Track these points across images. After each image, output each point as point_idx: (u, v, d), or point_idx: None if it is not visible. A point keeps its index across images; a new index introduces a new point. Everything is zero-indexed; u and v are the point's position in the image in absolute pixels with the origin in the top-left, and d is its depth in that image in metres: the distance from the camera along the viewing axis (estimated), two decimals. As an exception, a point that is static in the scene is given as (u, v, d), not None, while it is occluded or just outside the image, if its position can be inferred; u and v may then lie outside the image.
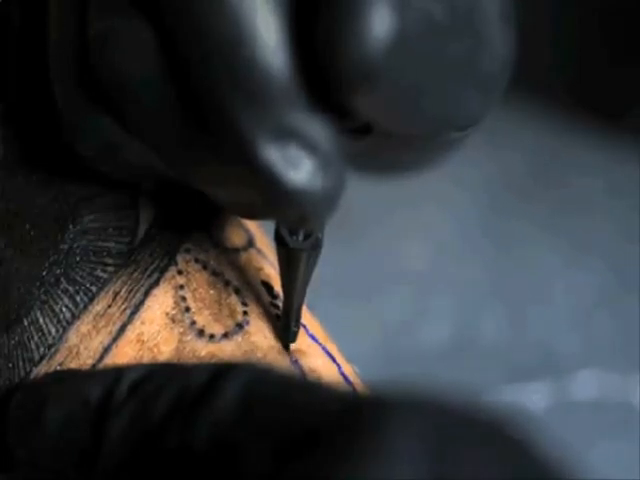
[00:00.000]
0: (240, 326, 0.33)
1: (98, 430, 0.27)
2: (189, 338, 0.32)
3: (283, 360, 0.32)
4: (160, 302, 0.32)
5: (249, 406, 0.25)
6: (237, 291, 0.33)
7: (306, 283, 0.32)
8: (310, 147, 0.27)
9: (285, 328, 0.33)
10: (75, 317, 0.32)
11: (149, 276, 0.33)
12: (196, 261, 0.33)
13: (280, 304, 0.33)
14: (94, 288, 0.32)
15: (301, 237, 0.31)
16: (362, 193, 0.60)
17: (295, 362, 0.32)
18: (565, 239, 0.73)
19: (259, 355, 0.32)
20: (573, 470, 0.24)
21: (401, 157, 0.33)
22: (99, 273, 0.32)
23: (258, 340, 0.32)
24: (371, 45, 0.25)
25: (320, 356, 0.33)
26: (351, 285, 0.69)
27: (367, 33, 0.25)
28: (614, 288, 0.71)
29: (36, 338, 0.32)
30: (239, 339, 0.32)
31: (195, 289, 0.33)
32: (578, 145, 0.77)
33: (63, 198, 0.33)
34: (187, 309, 0.32)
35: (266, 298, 0.34)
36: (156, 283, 0.33)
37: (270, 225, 0.31)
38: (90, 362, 0.31)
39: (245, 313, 0.33)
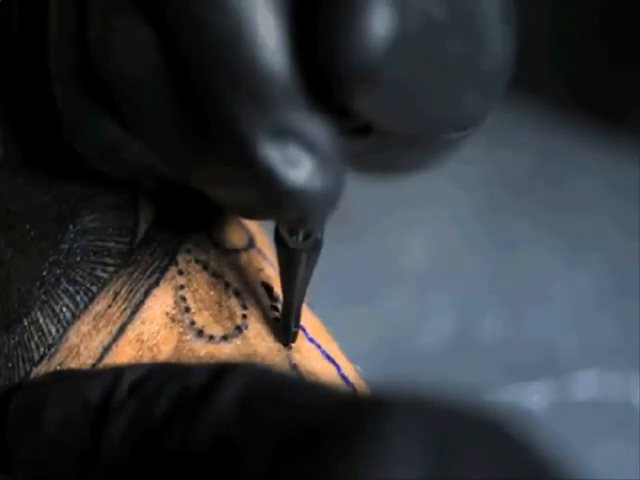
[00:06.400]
0: (239, 329, 0.33)
1: (98, 430, 0.27)
2: (188, 338, 0.32)
3: (281, 364, 0.32)
4: (160, 302, 0.32)
5: (249, 406, 0.25)
6: (237, 293, 0.33)
7: (306, 283, 0.32)
8: (310, 147, 0.27)
9: (285, 328, 0.33)
10: (75, 317, 0.32)
11: (149, 276, 0.33)
12: (196, 262, 0.33)
13: (280, 306, 0.33)
14: (94, 288, 0.32)
15: (301, 237, 0.31)
16: (362, 193, 0.60)
17: (294, 366, 0.32)
18: (565, 239, 0.73)
19: (257, 359, 0.32)
20: (573, 470, 0.24)
21: (401, 157, 0.33)
22: (99, 273, 0.32)
23: (256, 344, 0.32)
24: (371, 45, 0.25)
25: (319, 359, 0.33)
26: (351, 285, 0.69)
27: (367, 33, 0.25)
28: (614, 288, 0.71)
29: (36, 338, 0.32)
30: (238, 342, 0.32)
31: (195, 290, 0.33)
32: (578, 145, 0.77)
33: (63, 198, 0.33)
34: (187, 309, 0.32)
35: (266, 300, 0.34)
36: (156, 283, 0.33)
37: (270, 225, 0.31)
38: (90, 362, 0.31)
39: (244, 317, 0.33)
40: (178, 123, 0.28)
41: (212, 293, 0.33)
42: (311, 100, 0.27)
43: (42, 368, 0.31)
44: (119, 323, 0.32)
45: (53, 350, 0.32)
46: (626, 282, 0.71)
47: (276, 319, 0.33)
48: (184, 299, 0.33)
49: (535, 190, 0.76)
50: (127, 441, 0.27)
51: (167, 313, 0.32)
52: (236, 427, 0.25)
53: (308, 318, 0.34)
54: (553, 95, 0.79)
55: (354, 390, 0.33)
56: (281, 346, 0.33)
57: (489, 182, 0.76)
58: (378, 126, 0.29)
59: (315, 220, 0.29)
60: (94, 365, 0.31)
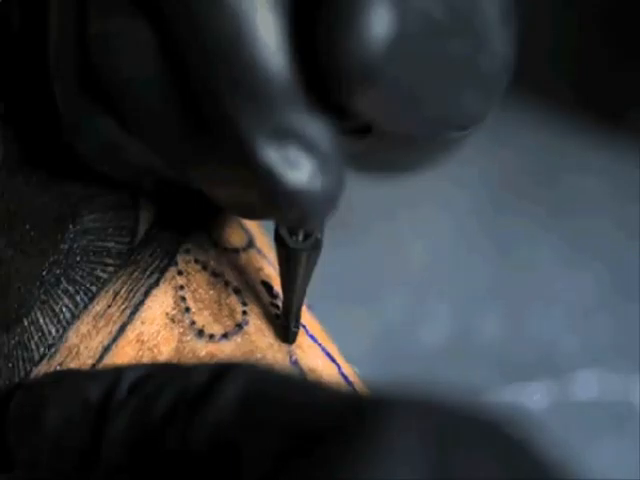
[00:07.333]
0: (240, 326, 0.33)
1: (98, 431, 0.27)
2: (189, 338, 0.32)
3: (282, 360, 0.32)
4: (160, 302, 0.32)
5: (249, 406, 0.25)
6: (237, 291, 0.33)
7: (306, 283, 0.32)
8: (309, 147, 0.27)
9: (285, 328, 0.33)
10: (75, 317, 0.32)
11: (149, 276, 0.33)
12: (196, 262, 0.33)
13: (280, 304, 0.33)
14: (94, 288, 0.32)
15: (301, 237, 0.31)
16: (362, 194, 0.60)
17: (295, 362, 0.32)
18: (565, 239, 0.73)
19: (258, 355, 0.32)
20: (573, 470, 0.24)
21: (401, 157, 0.33)
22: (99, 273, 0.32)
23: (257, 340, 0.32)
24: (371, 45, 0.25)
25: (320, 356, 0.33)
26: (351, 285, 0.69)
27: (367, 33, 0.25)
28: (614, 288, 0.71)
29: (36, 338, 0.32)
30: (238, 339, 0.32)
31: (195, 289, 0.33)
32: (578, 145, 0.77)
33: (63, 198, 0.33)
34: (187, 309, 0.32)
35: (266, 298, 0.34)
36: (156, 283, 0.33)
37: (270, 225, 0.31)
38: (90, 362, 0.31)
39: (245, 313, 0.33)
40: (178, 123, 0.28)
41: (212, 292, 0.33)
42: (311, 100, 0.27)
43: (42, 368, 0.31)
44: (119, 323, 0.32)
45: (53, 350, 0.32)
46: (626, 282, 0.71)
47: (276, 316, 0.33)
48: (184, 299, 0.33)
49: (535, 190, 0.76)
50: (127, 441, 0.27)
51: (167, 313, 0.32)
52: (236, 427, 0.25)
53: (307, 319, 0.34)
54: (553, 95, 0.79)
55: (354, 389, 0.33)
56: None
57: (489, 182, 0.76)
58: (378, 126, 0.29)
59: (315, 220, 0.29)
60: (94, 365, 0.31)
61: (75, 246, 0.33)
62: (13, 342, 0.32)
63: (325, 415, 0.24)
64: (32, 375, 0.31)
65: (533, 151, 0.78)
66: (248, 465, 0.24)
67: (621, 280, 0.72)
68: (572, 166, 0.77)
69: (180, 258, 0.33)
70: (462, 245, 0.73)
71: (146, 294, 0.32)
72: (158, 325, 0.32)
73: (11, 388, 0.31)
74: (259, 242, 0.35)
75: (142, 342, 0.32)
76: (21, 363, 0.32)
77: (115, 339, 0.32)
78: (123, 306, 0.32)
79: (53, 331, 0.32)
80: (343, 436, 0.23)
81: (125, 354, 0.31)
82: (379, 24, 0.25)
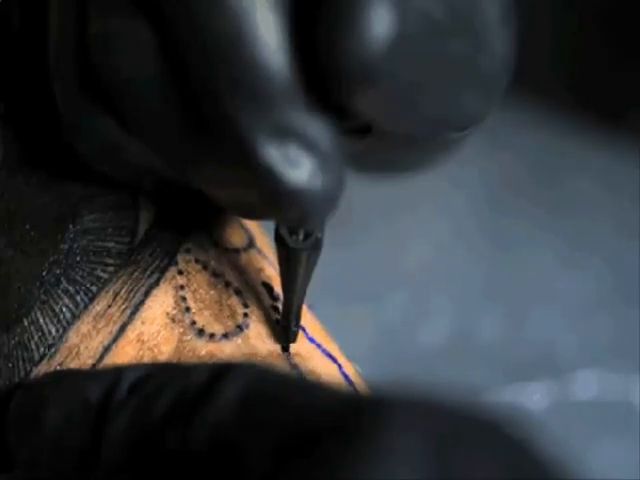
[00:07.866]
0: (240, 328, 0.33)
1: (98, 430, 0.27)
2: (189, 338, 0.32)
3: (282, 364, 0.32)
4: (160, 302, 0.32)
5: (249, 406, 0.25)
6: (238, 292, 0.33)
7: (306, 283, 0.32)
8: (310, 147, 0.27)
9: (285, 328, 0.33)
10: (75, 317, 0.32)
11: (149, 276, 0.33)
12: (196, 261, 0.33)
13: (281, 306, 0.33)
14: (94, 288, 0.32)
15: (301, 237, 0.31)
16: (362, 194, 0.60)
17: (294, 366, 0.32)
18: (565, 239, 0.73)
19: (258, 359, 0.32)
20: (573, 470, 0.24)
21: (401, 157, 0.33)
22: (99, 273, 0.32)
23: (257, 344, 0.32)
24: (371, 45, 0.25)
25: (319, 358, 0.33)
26: (351, 285, 0.69)
27: (367, 33, 0.25)
28: (614, 288, 0.71)
29: (36, 338, 0.32)
30: (239, 341, 0.32)
31: (195, 289, 0.33)
32: (578, 145, 0.77)
33: (63, 198, 0.33)
34: (187, 309, 0.32)
35: (267, 300, 0.34)
36: (156, 283, 0.33)
37: (270, 225, 0.31)
38: (90, 362, 0.31)
39: (246, 315, 0.33)
40: (178, 123, 0.28)
41: (212, 292, 0.33)
42: (311, 100, 0.27)
43: (42, 368, 0.31)
44: (119, 323, 0.32)
45: (53, 350, 0.32)
46: (626, 282, 0.71)
47: (277, 321, 0.33)
48: (184, 299, 0.33)
49: (535, 190, 0.76)
50: (127, 441, 0.27)
51: (167, 313, 0.32)
52: (236, 427, 0.25)
53: (308, 318, 0.34)
54: (553, 95, 0.79)
55: (355, 389, 0.33)
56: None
57: (489, 183, 0.76)
58: (378, 126, 0.29)
59: (315, 220, 0.29)
60: (94, 365, 0.31)
61: (75, 246, 0.33)
62: (13, 342, 0.32)
63: (325, 415, 0.24)
64: (32, 375, 0.31)
65: (533, 151, 0.78)
66: (248, 465, 0.24)
67: (621, 280, 0.72)
68: (572, 166, 0.77)
69: (180, 258, 0.33)
70: (461, 245, 0.73)
71: (146, 294, 0.32)
72: (158, 325, 0.32)
73: (11, 388, 0.31)
74: (259, 242, 0.35)
75: (142, 342, 0.32)
76: (21, 363, 0.31)
77: (115, 339, 0.32)
78: (123, 306, 0.32)
79: (53, 331, 0.32)
80: (343, 436, 0.23)
81: (125, 354, 0.31)
82: (379, 24, 0.25)
